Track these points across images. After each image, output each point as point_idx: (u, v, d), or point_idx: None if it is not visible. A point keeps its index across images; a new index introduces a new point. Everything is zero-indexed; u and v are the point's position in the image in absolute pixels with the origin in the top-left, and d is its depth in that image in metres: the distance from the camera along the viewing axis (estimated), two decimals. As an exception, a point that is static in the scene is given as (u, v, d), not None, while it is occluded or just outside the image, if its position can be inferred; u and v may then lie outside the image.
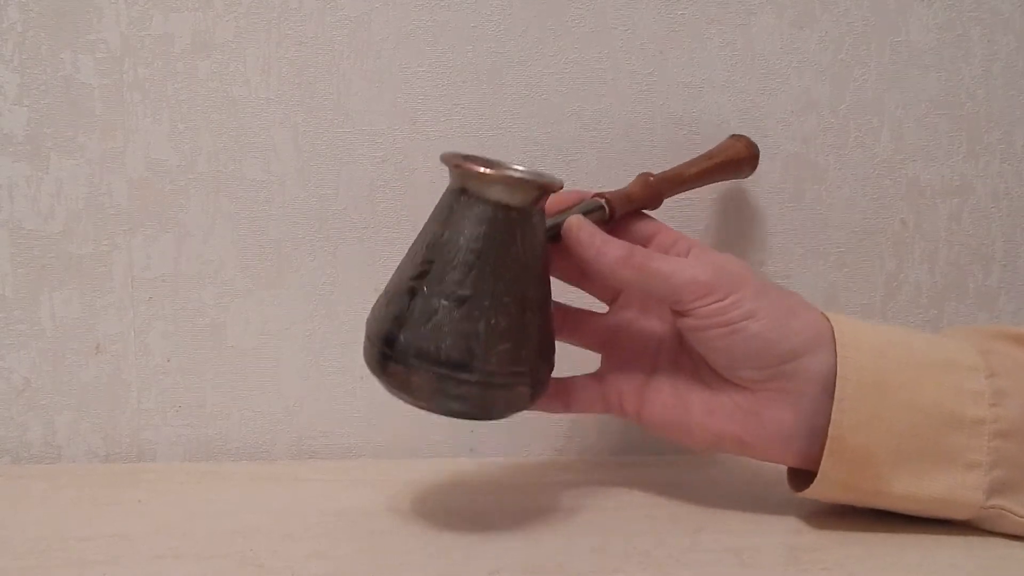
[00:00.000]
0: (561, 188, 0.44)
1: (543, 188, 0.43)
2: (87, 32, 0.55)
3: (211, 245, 0.57)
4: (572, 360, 0.50)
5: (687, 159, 0.55)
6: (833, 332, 0.44)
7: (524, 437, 0.59)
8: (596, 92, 0.57)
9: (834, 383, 0.43)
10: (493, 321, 0.42)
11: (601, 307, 0.52)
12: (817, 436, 0.44)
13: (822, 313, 0.46)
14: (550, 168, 0.57)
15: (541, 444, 0.59)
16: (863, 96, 0.58)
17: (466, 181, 0.43)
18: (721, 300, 0.43)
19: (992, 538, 0.44)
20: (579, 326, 0.51)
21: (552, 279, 0.47)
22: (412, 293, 0.43)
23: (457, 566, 0.42)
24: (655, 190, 0.50)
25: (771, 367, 0.44)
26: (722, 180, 0.55)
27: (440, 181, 0.58)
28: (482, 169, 0.43)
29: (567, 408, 0.49)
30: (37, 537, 0.44)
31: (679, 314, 0.45)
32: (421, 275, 0.43)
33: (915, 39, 0.58)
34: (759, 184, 0.58)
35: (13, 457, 0.57)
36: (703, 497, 0.50)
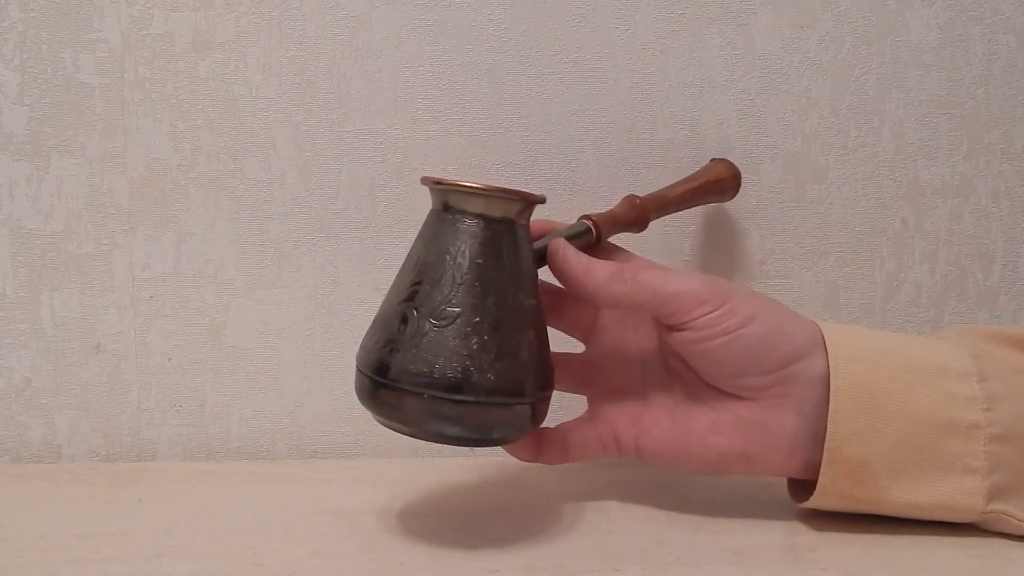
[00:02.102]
0: (543, 201, 0.44)
1: (524, 198, 0.43)
2: (88, 31, 0.55)
3: (211, 244, 0.57)
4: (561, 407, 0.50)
5: (688, 159, 0.55)
6: (824, 339, 0.44)
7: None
8: (596, 92, 0.57)
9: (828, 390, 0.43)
10: (486, 337, 0.41)
11: (576, 347, 0.51)
12: (821, 441, 0.43)
13: (811, 320, 0.45)
14: (550, 168, 0.57)
15: (541, 444, 0.59)
16: (863, 96, 0.58)
17: (447, 197, 0.42)
18: (717, 308, 0.43)
19: (992, 538, 0.44)
20: (557, 367, 0.48)
21: None
22: (403, 318, 0.41)
23: (457, 566, 0.42)
24: (641, 212, 0.50)
25: (774, 371, 0.43)
26: (706, 203, 0.55)
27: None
28: (462, 183, 0.42)
29: (565, 457, 0.48)
30: (37, 535, 0.44)
31: (674, 328, 0.44)
32: (410, 297, 0.42)
33: (915, 39, 0.58)
34: (759, 184, 0.58)
35: (13, 456, 0.57)
36: (703, 497, 0.50)
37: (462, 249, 0.42)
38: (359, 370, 0.43)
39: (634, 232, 0.51)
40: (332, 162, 0.57)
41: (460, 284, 0.41)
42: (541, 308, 0.44)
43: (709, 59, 0.57)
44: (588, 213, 0.49)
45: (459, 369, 0.40)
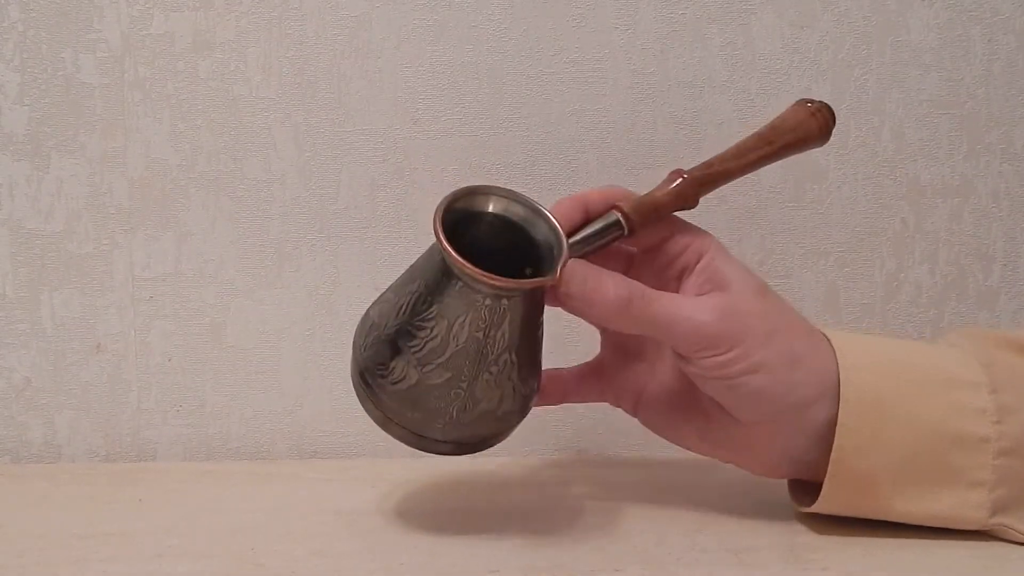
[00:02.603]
0: (555, 282, 0.41)
1: (535, 287, 0.41)
2: (88, 31, 0.55)
3: (211, 244, 0.57)
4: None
5: (688, 159, 0.54)
6: (838, 371, 0.43)
7: (524, 437, 0.59)
8: (596, 92, 0.57)
9: (829, 431, 0.42)
10: (469, 402, 0.41)
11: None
12: (804, 462, 0.44)
13: (823, 334, 0.44)
14: (550, 168, 0.57)
15: (541, 444, 0.59)
16: (864, 96, 0.58)
17: (454, 268, 0.40)
18: (724, 353, 0.41)
19: (992, 538, 0.44)
20: None
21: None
22: (393, 346, 0.41)
23: (457, 566, 0.41)
24: (686, 194, 0.44)
25: (771, 415, 0.43)
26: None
27: (440, 179, 0.58)
28: (469, 272, 0.39)
29: (563, 401, 0.48)
30: (37, 535, 0.44)
31: (680, 358, 0.43)
32: (404, 333, 0.41)
33: (915, 39, 0.58)
34: (759, 184, 0.58)
35: (13, 456, 0.57)
36: (703, 497, 0.50)
37: (463, 320, 0.40)
38: (354, 359, 0.44)
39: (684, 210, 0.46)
40: (332, 162, 0.57)
41: (457, 351, 0.41)
42: (540, 340, 0.44)
43: (709, 59, 0.57)
44: (622, 201, 0.44)
45: (436, 422, 0.42)
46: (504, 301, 0.40)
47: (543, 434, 0.59)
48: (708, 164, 0.45)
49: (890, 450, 0.42)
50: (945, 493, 0.42)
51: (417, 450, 0.44)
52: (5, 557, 0.42)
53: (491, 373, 0.41)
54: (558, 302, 0.43)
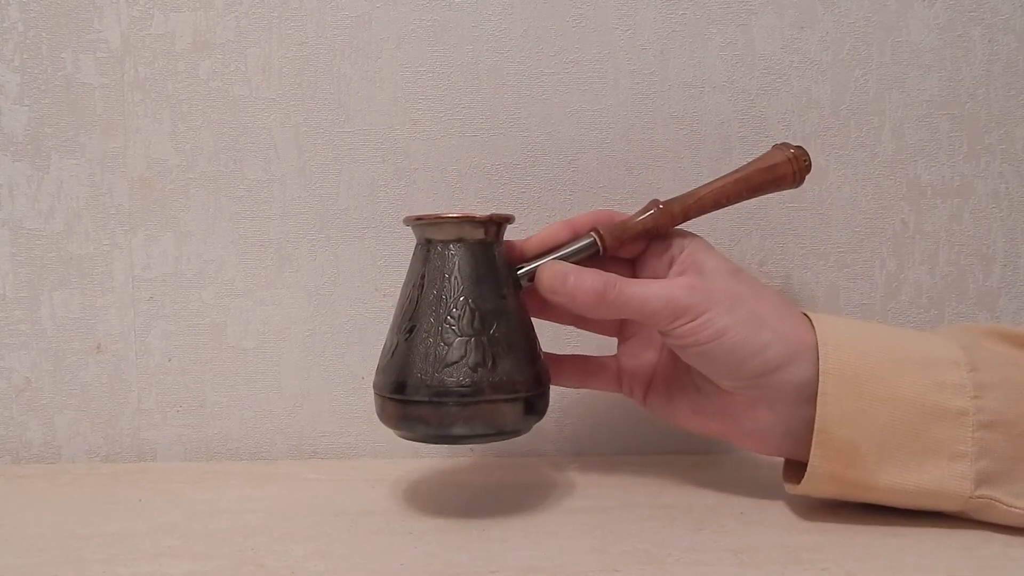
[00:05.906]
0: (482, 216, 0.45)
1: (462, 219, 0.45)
2: (88, 32, 0.55)
3: (211, 245, 0.57)
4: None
5: (688, 159, 0.54)
6: (815, 336, 0.45)
7: (524, 437, 0.59)
8: (596, 92, 0.57)
9: (810, 390, 0.44)
10: (432, 341, 0.43)
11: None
12: (792, 435, 0.46)
13: (804, 315, 0.46)
14: (550, 168, 0.57)
15: (541, 444, 0.59)
16: (864, 96, 0.58)
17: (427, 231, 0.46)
18: (692, 321, 0.45)
19: (991, 537, 0.44)
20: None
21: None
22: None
23: (457, 566, 0.41)
24: (658, 223, 0.48)
25: (746, 379, 0.45)
26: (758, 196, 0.50)
27: (440, 179, 0.58)
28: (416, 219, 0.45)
29: (584, 384, 0.51)
30: (37, 536, 0.44)
31: (662, 335, 0.46)
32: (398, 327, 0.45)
33: (915, 39, 0.58)
34: (759, 184, 0.58)
35: (13, 456, 0.57)
36: (703, 497, 0.50)
37: (414, 270, 0.45)
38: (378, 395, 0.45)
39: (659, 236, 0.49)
40: (332, 162, 0.57)
41: (412, 302, 0.45)
42: (507, 306, 0.46)
43: (709, 59, 0.57)
44: (604, 224, 0.48)
45: (408, 377, 0.44)
46: (438, 246, 0.45)
47: (543, 434, 0.59)
48: (683, 198, 0.48)
49: (872, 420, 0.43)
50: (929, 465, 0.43)
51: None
52: (5, 557, 0.42)
53: (459, 310, 0.44)
54: (544, 298, 0.47)
